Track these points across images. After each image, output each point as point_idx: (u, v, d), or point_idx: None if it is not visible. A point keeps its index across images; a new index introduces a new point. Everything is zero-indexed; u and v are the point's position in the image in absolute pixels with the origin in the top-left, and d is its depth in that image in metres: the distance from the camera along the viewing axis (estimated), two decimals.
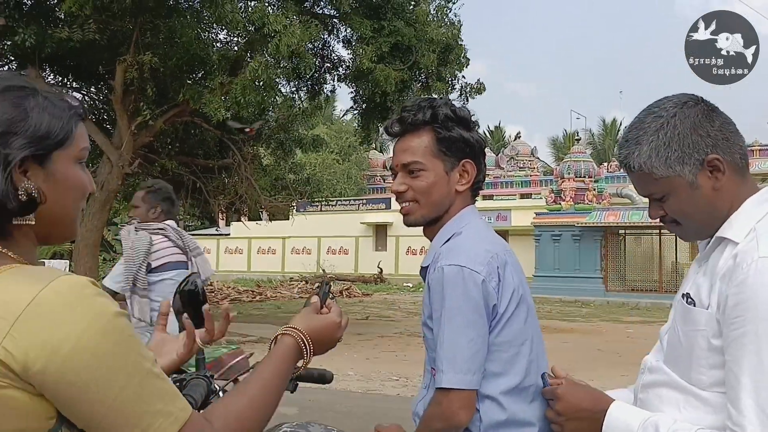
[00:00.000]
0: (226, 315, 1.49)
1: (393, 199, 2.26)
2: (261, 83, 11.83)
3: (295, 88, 15.29)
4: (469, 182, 1.83)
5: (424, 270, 1.80)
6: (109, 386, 0.93)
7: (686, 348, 1.42)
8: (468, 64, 14.49)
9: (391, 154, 2.12)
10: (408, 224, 1.86)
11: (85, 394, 0.92)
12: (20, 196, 1.00)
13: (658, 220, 1.52)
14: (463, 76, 14.58)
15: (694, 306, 1.41)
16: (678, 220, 1.46)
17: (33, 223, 1.03)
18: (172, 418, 0.97)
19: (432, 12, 14.29)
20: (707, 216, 1.43)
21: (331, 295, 1.45)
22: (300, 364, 1.29)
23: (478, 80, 14.76)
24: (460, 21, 14.50)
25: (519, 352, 1.70)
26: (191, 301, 1.59)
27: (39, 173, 1.03)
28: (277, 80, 12.60)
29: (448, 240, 1.76)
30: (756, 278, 1.28)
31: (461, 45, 14.24)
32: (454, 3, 14.57)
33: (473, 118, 1.86)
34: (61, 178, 1.06)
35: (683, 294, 1.46)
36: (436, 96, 13.46)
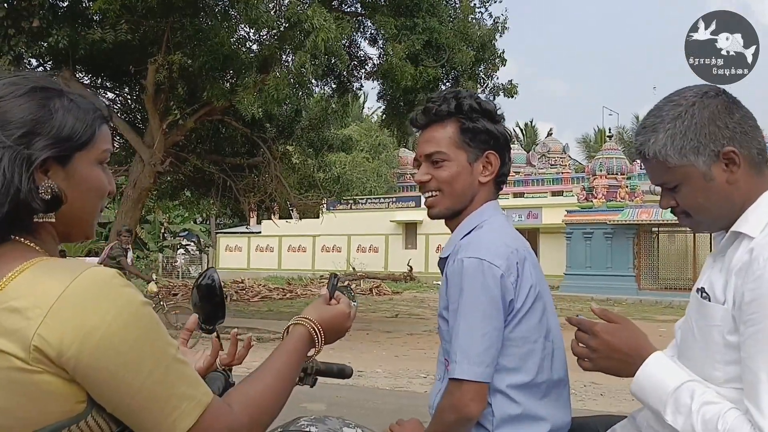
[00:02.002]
0: (248, 342, 1.53)
1: (423, 197, 2.18)
2: (294, 80, 11.84)
3: (330, 90, 15.29)
4: (492, 173, 1.82)
5: (442, 261, 1.80)
6: (138, 371, 0.98)
7: (701, 343, 1.39)
8: (504, 64, 14.24)
9: None
10: (432, 216, 1.85)
11: (115, 379, 0.97)
12: (42, 195, 1.04)
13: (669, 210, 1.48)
14: (497, 77, 14.37)
15: (709, 301, 1.38)
16: (689, 212, 1.43)
17: (53, 221, 1.07)
18: (195, 401, 1.02)
19: (474, 6, 14.13)
20: (720, 209, 1.40)
21: (350, 294, 1.48)
22: (311, 353, 1.33)
23: (510, 81, 14.48)
24: (505, 22, 14.11)
25: (533, 348, 1.69)
26: (208, 295, 1.59)
27: (59, 173, 1.07)
28: (310, 77, 12.68)
29: (469, 233, 1.76)
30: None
31: (495, 46, 14.00)
32: (492, 3, 14.36)
33: (498, 111, 1.85)
34: (80, 179, 1.09)
35: (698, 288, 1.44)
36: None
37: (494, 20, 14.17)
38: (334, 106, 15.63)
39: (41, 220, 1.06)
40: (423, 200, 1.87)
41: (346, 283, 1.62)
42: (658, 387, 1.36)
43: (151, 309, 1.02)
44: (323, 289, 1.41)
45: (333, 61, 11.97)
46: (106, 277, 1.00)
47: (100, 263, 11.92)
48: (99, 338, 0.95)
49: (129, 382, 0.97)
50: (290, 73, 11.62)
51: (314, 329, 1.31)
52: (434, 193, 1.82)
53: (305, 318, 1.33)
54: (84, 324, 0.95)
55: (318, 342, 1.32)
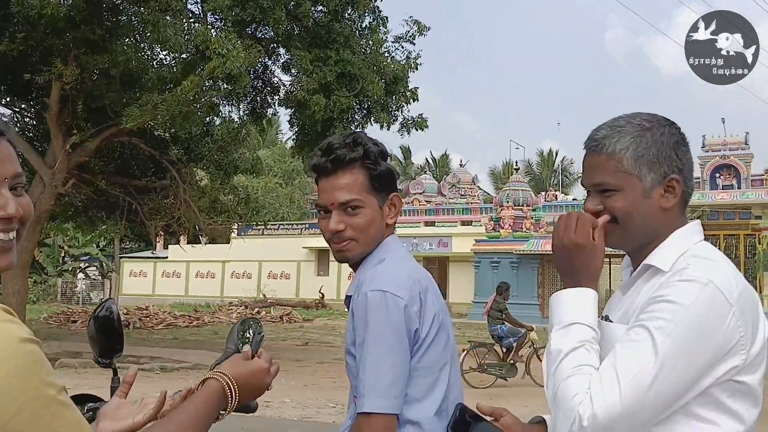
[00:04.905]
0: (159, 403, 1.35)
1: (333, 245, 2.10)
2: (197, 103, 11.64)
3: (238, 112, 15.12)
4: (397, 214, 1.84)
5: (348, 299, 1.78)
6: (4, 410, 0.91)
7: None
8: (416, 99, 14.48)
9: None
10: (344, 261, 1.81)
11: None
12: None
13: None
14: (409, 110, 14.63)
15: (612, 323, 1.43)
16: (618, 218, 1.44)
17: None
18: None
19: (385, 39, 14.35)
20: (642, 227, 1.44)
21: (259, 330, 1.46)
22: (225, 410, 1.30)
23: (420, 115, 14.77)
24: (417, 59, 14.38)
25: (439, 377, 1.70)
26: (106, 327, 1.54)
27: None
28: (215, 101, 12.48)
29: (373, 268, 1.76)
30: (678, 292, 1.30)
31: (407, 81, 14.27)
32: (408, 40, 14.57)
33: (387, 150, 1.88)
34: None
35: (602, 317, 1.47)
36: (362, 129, 13.57)
37: (407, 56, 14.44)
38: (244, 129, 15.45)
39: None
40: (333, 245, 1.81)
41: (256, 310, 1.58)
42: (567, 311, 1.39)
43: (32, 346, 0.95)
44: (245, 346, 1.38)
45: (234, 86, 11.84)
46: None
47: (485, 315, 11.60)
48: None
49: None
50: (187, 94, 11.34)
51: (228, 385, 1.28)
52: (348, 242, 1.77)
53: (221, 373, 1.29)
54: None
55: (231, 399, 1.28)
